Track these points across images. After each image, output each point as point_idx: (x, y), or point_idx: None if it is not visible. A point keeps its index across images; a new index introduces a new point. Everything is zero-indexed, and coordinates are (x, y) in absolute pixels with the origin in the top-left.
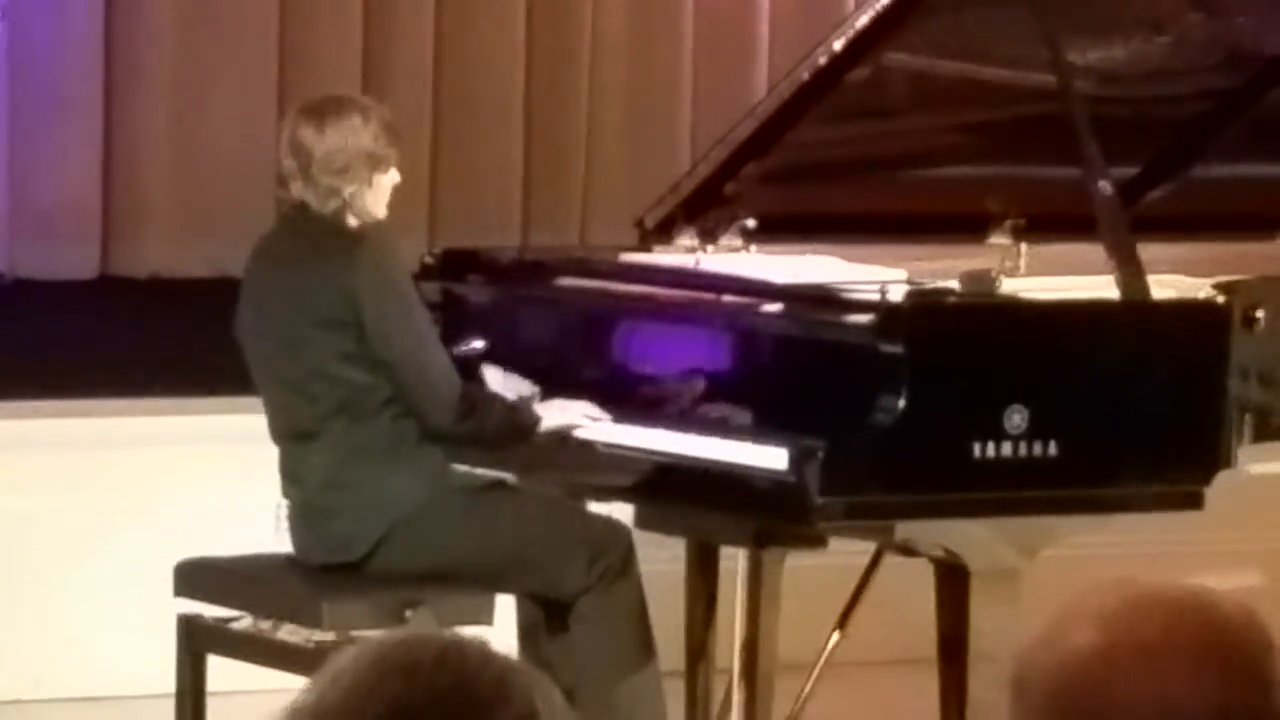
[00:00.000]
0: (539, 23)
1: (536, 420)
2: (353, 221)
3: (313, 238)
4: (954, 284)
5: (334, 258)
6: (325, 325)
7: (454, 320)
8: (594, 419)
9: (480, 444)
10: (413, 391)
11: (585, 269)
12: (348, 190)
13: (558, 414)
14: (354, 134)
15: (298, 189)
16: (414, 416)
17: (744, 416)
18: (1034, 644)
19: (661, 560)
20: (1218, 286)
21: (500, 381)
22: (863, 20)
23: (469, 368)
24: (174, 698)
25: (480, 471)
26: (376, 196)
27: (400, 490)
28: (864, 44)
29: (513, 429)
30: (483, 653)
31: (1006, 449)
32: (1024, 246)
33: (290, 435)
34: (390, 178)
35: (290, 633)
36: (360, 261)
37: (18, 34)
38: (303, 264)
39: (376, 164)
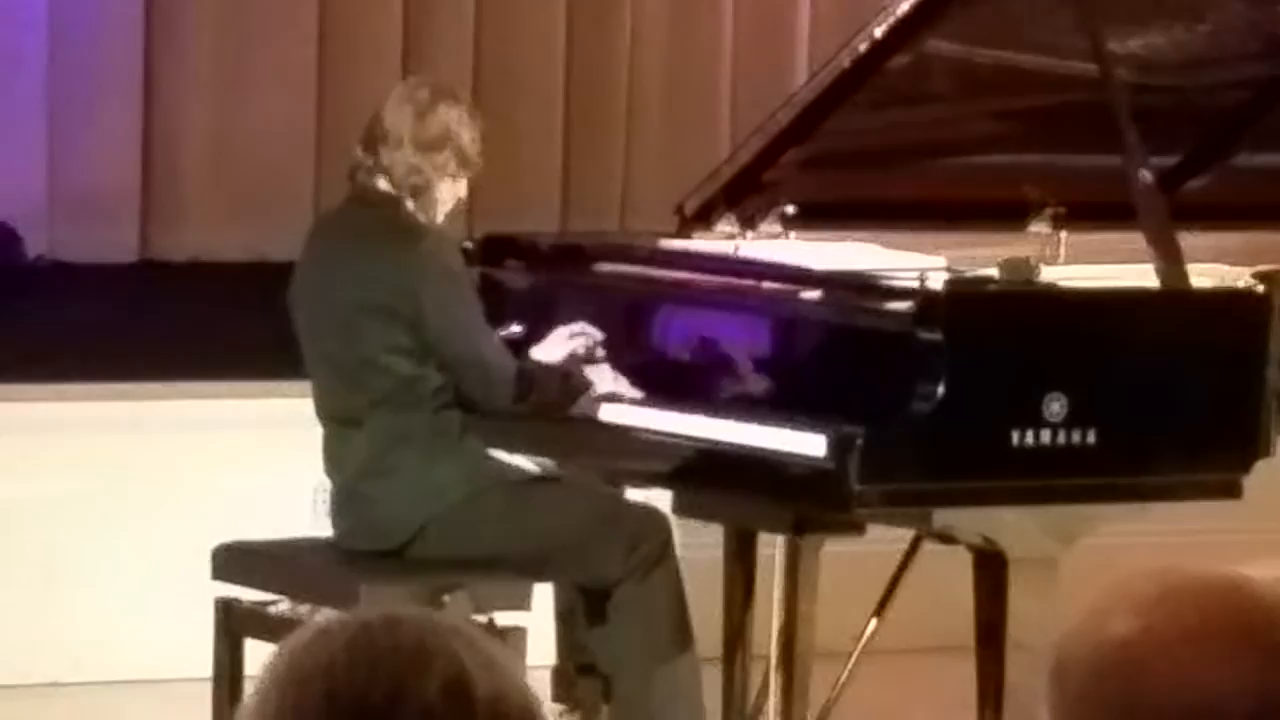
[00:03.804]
0: (579, 8)
1: (589, 384)
2: (414, 211)
3: (376, 226)
4: (993, 271)
5: (395, 249)
6: (379, 315)
7: (493, 306)
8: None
9: (540, 416)
10: (470, 377)
11: (624, 255)
12: (430, 174)
13: (610, 381)
14: (460, 124)
15: (385, 154)
16: (470, 402)
17: (782, 403)
18: (1072, 632)
19: (699, 547)
20: (1257, 275)
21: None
22: (903, 7)
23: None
24: (211, 681)
25: (518, 462)
26: (447, 197)
27: (440, 483)
28: (904, 31)
29: (569, 395)
30: (389, 626)
31: (1045, 437)
32: (1063, 234)
33: (335, 418)
34: (463, 186)
35: (328, 617)
36: (421, 256)
37: (58, 18)
38: (363, 253)
39: (464, 163)
